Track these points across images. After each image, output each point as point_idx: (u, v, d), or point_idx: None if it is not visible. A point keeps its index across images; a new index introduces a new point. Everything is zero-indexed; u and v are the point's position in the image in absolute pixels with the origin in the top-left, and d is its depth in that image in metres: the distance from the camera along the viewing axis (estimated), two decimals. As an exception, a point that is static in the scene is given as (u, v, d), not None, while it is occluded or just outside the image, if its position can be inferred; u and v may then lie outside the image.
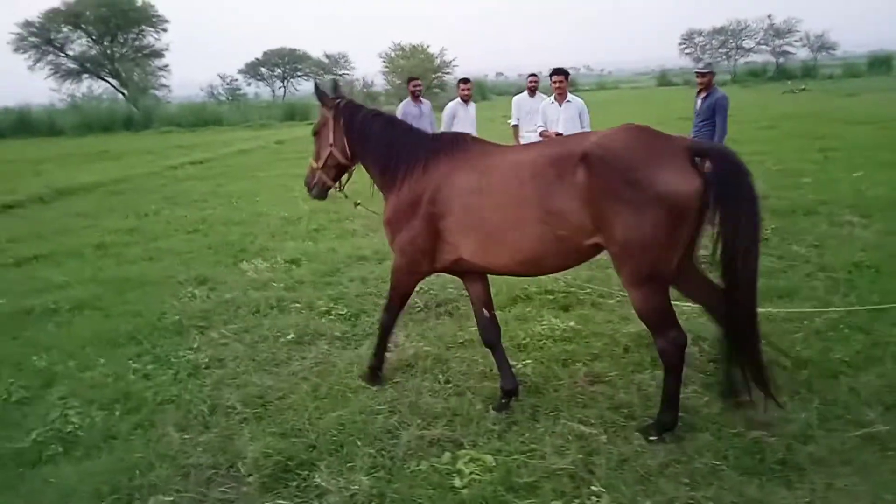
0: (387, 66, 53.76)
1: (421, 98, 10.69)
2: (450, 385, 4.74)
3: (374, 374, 4.85)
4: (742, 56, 68.38)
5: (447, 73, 52.85)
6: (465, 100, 10.53)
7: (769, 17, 66.84)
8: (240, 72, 74.80)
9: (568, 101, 8.52)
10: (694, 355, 4.79)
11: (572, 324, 5.58)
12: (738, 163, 3.49)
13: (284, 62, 78.48)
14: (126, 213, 12.38)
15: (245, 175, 17.11)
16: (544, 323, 5.63)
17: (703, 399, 4.28)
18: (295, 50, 79.99)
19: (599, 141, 3.65)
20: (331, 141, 4.70)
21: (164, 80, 57.83)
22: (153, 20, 55.87)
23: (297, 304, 6.61)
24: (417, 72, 50.94)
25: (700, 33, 70.95)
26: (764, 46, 67.58)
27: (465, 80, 10.86)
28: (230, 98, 58.44)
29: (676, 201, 3.38)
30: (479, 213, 3.99)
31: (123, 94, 52.02)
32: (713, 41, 69.53)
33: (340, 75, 78.05)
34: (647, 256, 3.50)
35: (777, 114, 25.01)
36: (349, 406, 4.47)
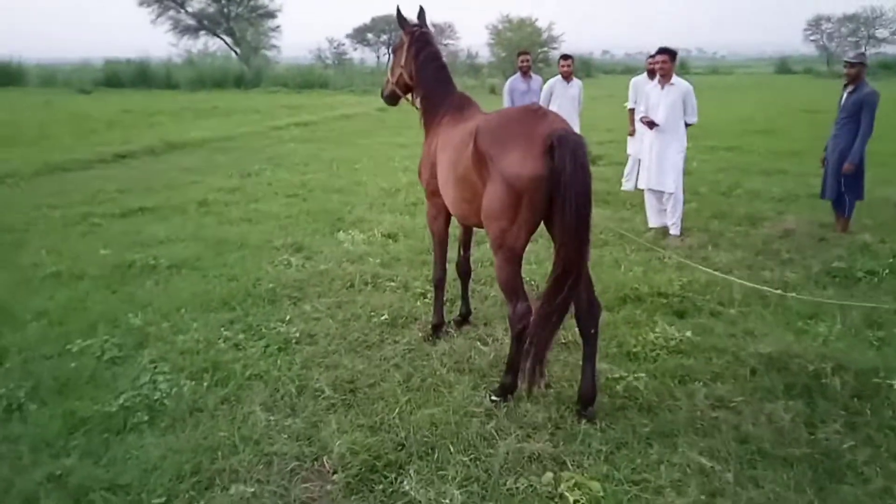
0: (493, 38, 52.98)
1: (531, 73, 10.24)
2: (551, 391, 4.35)
3: (436, 331, 5.20)
4: (874, 46, 63.56)
5: (554, 48, 51.63)
6: (566, 76, 10.07)
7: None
8: (347, 36, 75.53)
9: (672, 83, 7.77)
10: (835, 387, 4.22)
11: (689, 334, 5.06)
12: (583, 158, 3.58)
13: (391, 28, 78.58)
14: (230, 171, 12.50)
15: (346, 141, 17.08)
16: (657, 330, 5.13)
17: (845, 444, 3.71)
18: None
19: (488, 116, 4.17)
20: (402, 63, 5.13)
21: (275, 41, 59.02)
22: (271, -20, 56.89)
23: (392, 283, 6.35)
24: (524, 45, 50.05)
25: (829, 19, 66.33)
26: (897, 37, 62.69)
27: (565, 57, 10.35)
28: (336, 62, 59.09)
29: (512, 182, 3.65)
30: (440, 171, 4.50)
31: (236, 52, 53.45)
32: (843, 29, 64.90)
33: (445, 45, 77.87)
34: (494, 226, 3.84)
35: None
36: (443, 403, 4.15)
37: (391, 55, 5.40)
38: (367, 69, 55.95)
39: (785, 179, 11.29)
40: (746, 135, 17.05)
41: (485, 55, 57.87)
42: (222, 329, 5.31)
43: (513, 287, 3.99)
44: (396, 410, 4.07)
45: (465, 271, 5.44)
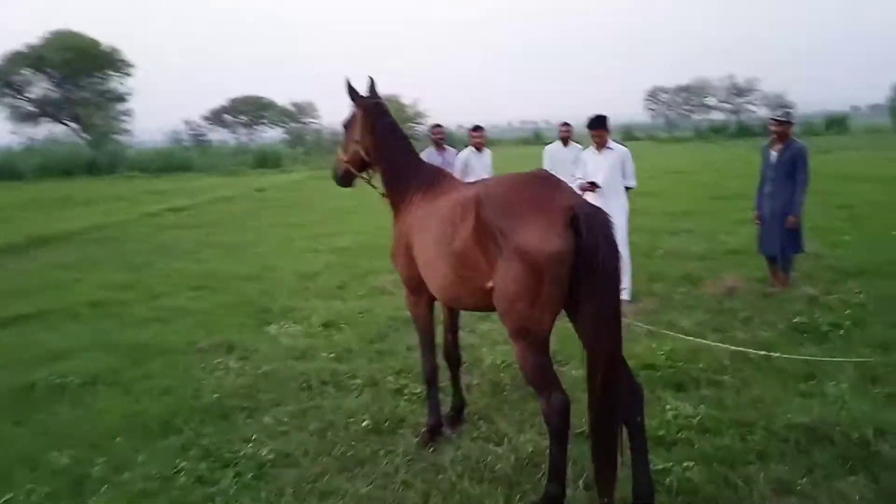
0: (358, 115, 53.35)
1: (445, 146, 9.99)
2: (591, 491, 3.80)
3: (433, 434, 4.57)
4: (705, 113, 69.67)
5: (419, 124, 52.60)
6: (478, 147, 9.93)
7: (730, 76, 68.43)
8: (204, 118, 73.47)
9: (609, 148, 7.77)
10: (886, 454, 3.95)
11: (704, 408, 4.71)
12: (605, 233, 3.24)
13: (250, 110, 77.45)
14: (114, 265, 11.22)
15: (235, 224, 16.02)
16: (669, 408, 4.73)
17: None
18: (261, 98, 79.06)
19: (492, 183, 3.70)
20: (356, 138, 4.69)
21: (126, 125, 56.17)
22: (118, 64, 54.50)
23: (357, 380, 5.61)
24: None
25: (664, 90, 72.33)
26: (726, 104, 68.99)
27: (477, 128, 10.18)
28: (196, 144, 57.15)
29: (534, 258, 3.21)
30: (421, 250, 4.06)
31: (84, 138, 50.28)
32: (677, 98, 70.93)
33: (306, 123, 77.59)
34: (515, 309, 3.35)
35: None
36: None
37: (344, 129, 4.92)
38: (228, 149, 54.34)
39: (695, 238, 11.55)
40: (636, 197, 17.60)
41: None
42: (176, 459, 4.38)
43: (542, 377, 3.49)
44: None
45: (454, 357, 4.87)
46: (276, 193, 23.75)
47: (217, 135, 72.81)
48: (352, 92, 4.71)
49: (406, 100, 53.30)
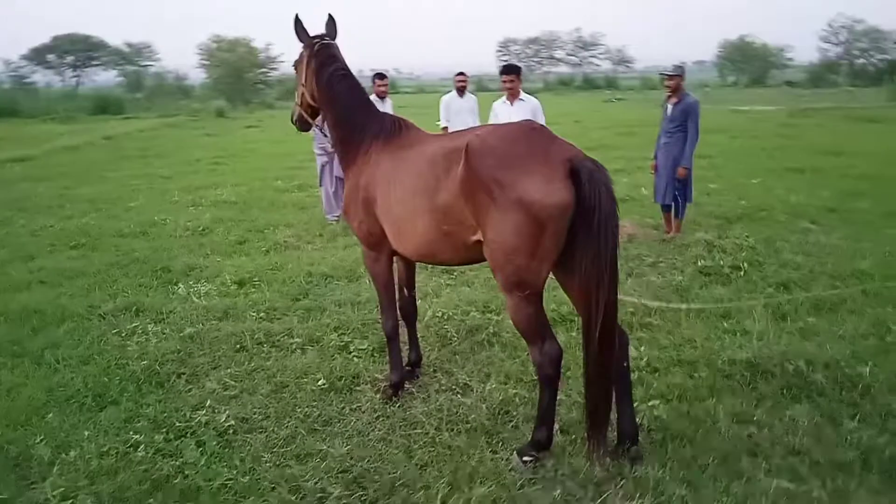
0: (206, 60, 50.13)
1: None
2: (568, 436, 3.94)
3: (396, 390, 4.51)
4: (554, 66, 72.14)
5: (273, 69, 50.39)
6: (382, 96, 9.79)
7: (577, 30, 71.15)
8: (23, 57, 66.29)
9: (521, 99, 7.88)
10: (821, 382, 4.37)
11: (645, 349, 4.99)
12: (605, 186, 3.26)
13: (77, 49, 70.77)
14: (-35, 223, 10.01)
15: (92, 176, 14.71)
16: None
17: (880, 438, 3.83)
18: (89, 37, 72.40)
19: (483, 133, 3.52)
20: (303, 81, 4.49)
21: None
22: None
23: (295, 339, 5.42)
24: (242, 66, 48.29)
25: (515, 42, 73.99)
26: (573, 57, 71.76)
27: (380, 76, 10.06)
28: (19, 86, 51.59)
29: (536, 211, 3.18)
30: (389, 204, 3.93)
31: None
32: (527, 50, 72.82)
33: (144, 66, 72.16)
34: (512, 262, 3.32)
35: (625, 121, 26.11)
36: (488, 478, 3.52)
37: (294, 72, 4.63)
38: (57, 93, 49.57)
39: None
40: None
41: (196, 77, 54.74)
42: (125, 433, 4.06)
43: (536, 328, 3.51)
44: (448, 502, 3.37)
45: (410, 312, 4.80)
46: (129, 142, 22.07)
47: (41, 76, 66.17)
48: (299, 30, 4.44)
49: (258, 44, 50.70)
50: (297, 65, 4.58)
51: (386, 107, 9.76)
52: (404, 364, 4.73)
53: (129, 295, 6.58)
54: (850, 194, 10.53)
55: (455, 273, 6.99)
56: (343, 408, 4.37)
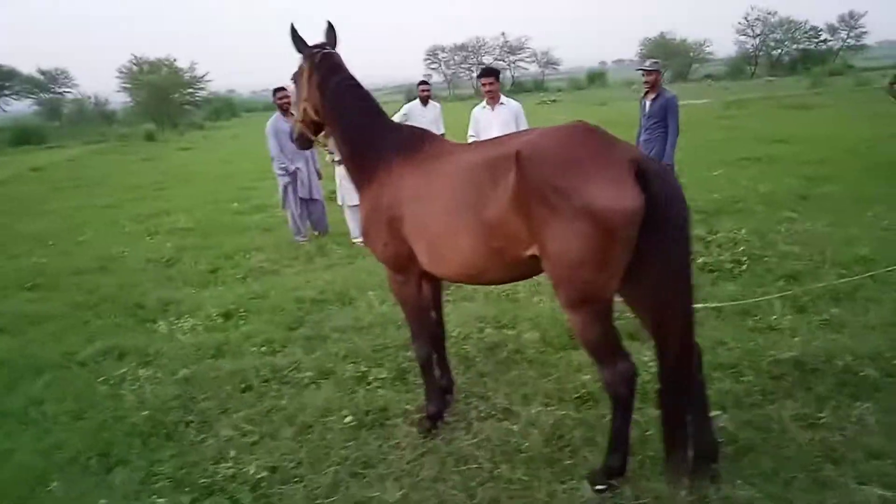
0: (128, 83, 48.47)
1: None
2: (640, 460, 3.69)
3: (434, 421, 4.17)
4: (483, 71, 72.63)
5: (201, 89, 49.17)
6: (425, 101, 9.86)
7: (503, 34, 71.79)
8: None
9: (501, 104, 7.64)
10: (871, 377, 4.25)
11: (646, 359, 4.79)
12: (676, 187, 3.08)
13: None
14: None
15: (27, 210, 13.86)
16: (647, 361, 4.75)
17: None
18: (-1, 66, 69.17)
19: (534, 139, 3.22)
20: (304, 95, 4.13)
21: None
22: None
23: (305, 373, 5.01)
24: (167, 88, 46.87)
25: (443, 49, 74.15)
26: (500, 62, 72.33)
27: (423, 81, 9.84)
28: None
29: (605, 218, 2.89)
30: (422, 222, 3.62)
31: None
32: (455, 57, 73.11)
33: (61, 93, 69.37)
34: (579, 276, 3.03)
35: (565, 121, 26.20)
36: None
37: (294, 86, 4.28)
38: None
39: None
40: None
41: (118, 100, 52.85)
42: (146, 496, 3.63)
43: (607, 346, 3.24)
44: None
45: (438, 336, 4.45)
46: (59, 172, 21.02)
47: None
48: (297, 40, 4.08)
49: (182, 63, 49.34)
50: (296, 78, 4.21)
51: (431, 112, 9.63)
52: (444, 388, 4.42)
53: (107, 337, 6.03)
54: (814, 180, 10.67)
55: (450, 287, 6.69)
56: (381, 446, 4.02)
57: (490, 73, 7.54)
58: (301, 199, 9.14)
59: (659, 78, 8.01)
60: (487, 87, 7.49)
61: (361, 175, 4.02)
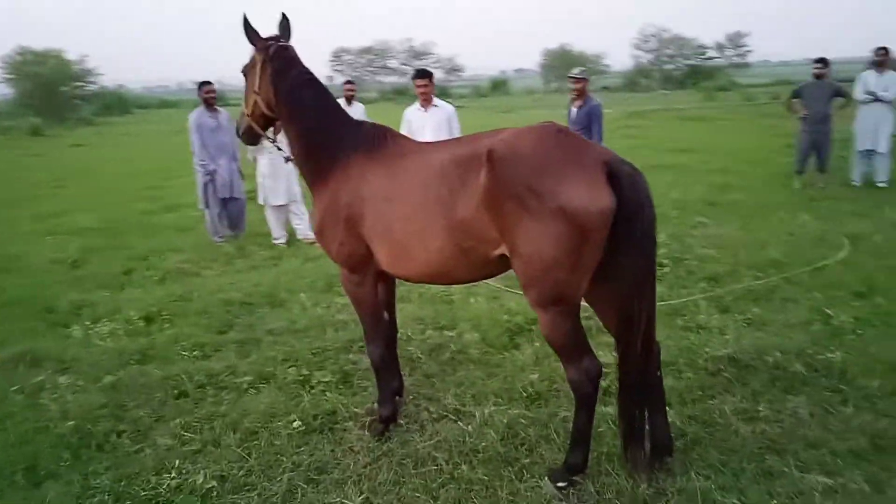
0: (11, 74, 45.40)
1: (217, 107, 9.04)
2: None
3: (387, 424, 4.09)
4: (388, 75, 72.59)
5: (91, 83, 46.67)
6: (350, 100, 9.67)
7: (409, 39, 71.98)
8: None
9: (435, 105, 7.62)
10: (801, 373, 4.49)
11: (610, 355, 4.90)
12: (645, 189, 3.15)
13: None
14: None
15: None
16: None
17: (879, 424, 3.95)
18: None
19: (507, 138, 3.21)
20: (256, 88, 3.96)
21: None
22: None
23: (243, 378, 4.82)
24: (55, 80, 44.19)
25: (348, 52, 73.62)
26: (406, 67, 72.42)
27: (349, 81, 9.57)
28: None
29: (581, 219, 2.94)
30: (385, 221, 3.57)
31: None
32: (360, 60, 72.74)
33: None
34: (551, 276, 3.07)
35: (476, 126, 26.49)
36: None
37: (244, 76, 4.07)
38: None
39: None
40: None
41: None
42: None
43: (574, 343, 3.27)
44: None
45: (391, 337, 4.36)
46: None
47: None
48: (249, 32, 3.92)
49: (71, 55, 46.71)
50: (246, 70, 4.04)
51: (356, 112, 9.34)
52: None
53: (17, 342, 5.61)
54: (720, 188, 11.24)
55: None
56: (334, 451, 3.91)
57: (424, 74, 7.51)
58: (221, 198, 8.81)
59: (586, 85, 8.20)
60: (422, 89, 7.45)
61: (317, 173, 3.88)
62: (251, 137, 4.24)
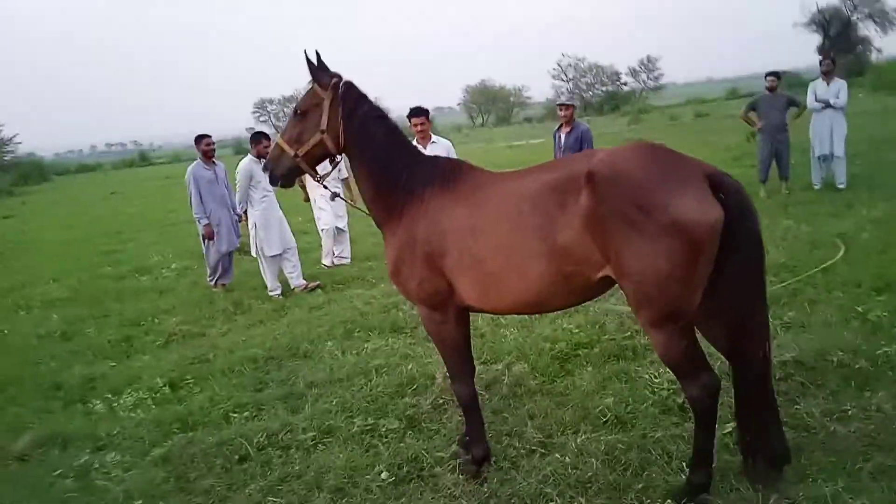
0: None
1: (215, 160, 8.92)
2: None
3: (479, 465, 3.93)
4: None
5: (10, 151, 44.85)
6: (261, 156, 9.17)
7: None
8: None
9: (433, 142, 7.59)
10: (866, 371, 4.57)
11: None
12: (748, 199, 3.19)
13: None
14: None
15: None
16: (651, 377, 4.85)
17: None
18: None
19: (607, 158, 3.18)
20: (323, 127, 3.78)
21: None
22: None
23: (306, 434, 4.59)
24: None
25: (272, 101, 73.15)
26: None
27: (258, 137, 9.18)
28: None
29: (694, 232, 2.93)
30: (473, 254, 3.47)
31: None
32: (285, 109, 72.33)
33: None
34: (665, 293, 3.03)
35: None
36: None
37: (297, 116, 3.89)
38: None
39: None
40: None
41: None
42: None
43: (691, 360, 3.22)
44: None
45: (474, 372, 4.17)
46: None
47: None
48: (315, 68, 3.79)
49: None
50: (306, 107, 3.86)
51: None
52: (464, 433, 4.19)
53: (37, 426, 5.23)
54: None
55: (408, 328, 6.51)
56: (434, 498, 3.75)
57: (420, 112, 7.48)
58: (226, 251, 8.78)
59: (573, 111, 8.33)
60: (419, 127, 7.43)
61: (389, 210, 3.79)
62: (290, 179, 4.06)
